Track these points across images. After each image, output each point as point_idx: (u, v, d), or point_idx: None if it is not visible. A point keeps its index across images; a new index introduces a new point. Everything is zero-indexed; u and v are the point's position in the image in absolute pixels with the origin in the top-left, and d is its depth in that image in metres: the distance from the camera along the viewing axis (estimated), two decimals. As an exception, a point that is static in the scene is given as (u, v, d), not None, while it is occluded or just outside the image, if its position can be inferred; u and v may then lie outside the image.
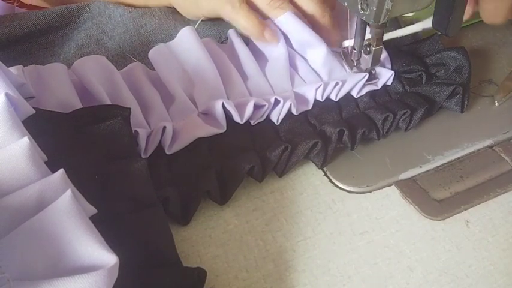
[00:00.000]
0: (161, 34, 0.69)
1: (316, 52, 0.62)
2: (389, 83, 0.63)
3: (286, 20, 0.62)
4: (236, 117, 0.55)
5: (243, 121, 0.56)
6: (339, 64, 0.63)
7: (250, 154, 0.53)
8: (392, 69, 0.63)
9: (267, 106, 0.57)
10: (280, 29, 0.63)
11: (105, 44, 0.67)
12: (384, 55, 0.64)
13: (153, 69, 0.59)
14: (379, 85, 0.62)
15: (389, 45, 0.65)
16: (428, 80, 0.63)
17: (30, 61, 0.65)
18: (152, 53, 0.59)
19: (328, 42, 0.63)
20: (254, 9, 0.63)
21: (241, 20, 0.62)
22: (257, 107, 0.57)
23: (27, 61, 0.65)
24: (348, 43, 0.64)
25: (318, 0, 0.64)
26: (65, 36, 0.68)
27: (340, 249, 0.50)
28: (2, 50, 0.65)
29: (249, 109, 0.56)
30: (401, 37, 0.67)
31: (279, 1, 0.62)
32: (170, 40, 0.61)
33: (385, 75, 0.62)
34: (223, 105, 0.55)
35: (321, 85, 0.59)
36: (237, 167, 0.52)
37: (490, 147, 0.60)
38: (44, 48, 0.67)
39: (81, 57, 0.63)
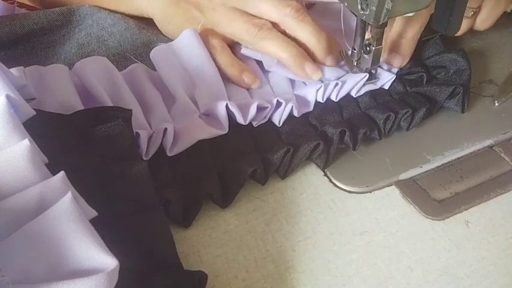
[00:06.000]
0: (163, 35, 0.69)
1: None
2: (386, 86, 0.63)
3: (277, 71, 0.62)
4: (239, 119, 0.55)
5: (246, 122, 0.56)
6: (337, 68, 0.63)
7: (252, 157, 0.53)
8: (396, 72, 0.63)
9: (269, 108, 0.57)
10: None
11: (106, 41, 0.67)
12: None
13: (155, 70, 0.59)
14: (378, 85, 0.62)
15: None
16: (428, 81, 0.63)
17: (31, 61, 0.65)
18: (154, 53, 0.59)
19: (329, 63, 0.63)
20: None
21: (221, 63, 0.61)
22: (260, 108, 0.57)
23: (29, 61, 0.65)
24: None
25: (314, 29, 0.61)
26: (66, 35, 0.68)
27: (340, 249, 0.50)
28: (3, 50, 0.65)
29: (253, 110, 0.56)
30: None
31: (266, 31, 0.61)
32: (172, 40, 0.61)
33: (386, 78, 0.62)
34: (226, 106, 0.55)
35: (321, 86, 0.59)
36: (240, 170, 0.52)
37: (490, 147, 0.60)
38: (45, 48, 0.67)
39: (82, 56, 0.64)
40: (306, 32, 0.61)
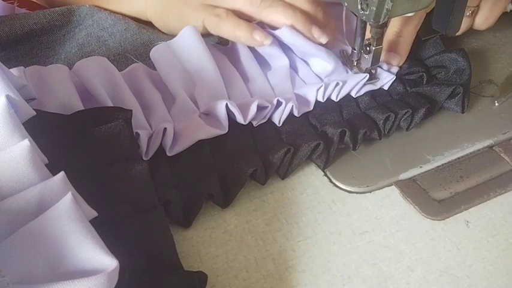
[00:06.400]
0: (164, 34, 0.69)
1: (320, 63, 0.62)
2: (386, 87, 0.63)
3: (286, 34, 0.60)
4: (239, 118, 0.55)
5: (246, 122, 0.56)
6: (340, 66, 0.63)
7: (252, 157, 0.53)
8: (396, 73, 0.63)
9: (269, 107, 0.57)
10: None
11: (106, 41, 0.67)
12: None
13: (155, 69, 0.59)
14: (378, 85, 0.62)
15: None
16: (428, 81, 0.63)
17: (32, 61, 0.65)
18: (153, 52, 0.59)
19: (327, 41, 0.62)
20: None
21: (230, 27, 0.60)
22: (260, 108, 0.57)
23: (30, 61, 0.65)
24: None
25: (311, 3, 0.62)
26: (66, 35, 0.68)
27: (340, 249, 0.50)
28: (4, 50, 0.65)
29: (253, 110, 0.56)
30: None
31: (269, 0, 0.61)
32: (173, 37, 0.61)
33: (386, 78, 0.62)
34: (226, 106, 0.55)
35: (322, 86, 0.59)
36: (240, 170, 0.52)
37: (490, 147, 0.60)
38: (45, 48, 0.67)
39: (82, 56, 0.64)
40: (302, 4, 0.62)
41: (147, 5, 0.69)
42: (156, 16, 0.69)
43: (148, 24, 0.70)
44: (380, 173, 0.57)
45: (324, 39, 0.61)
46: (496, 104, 0.65)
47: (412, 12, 0.55)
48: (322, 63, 0.62)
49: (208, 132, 0.54)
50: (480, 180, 0.56)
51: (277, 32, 0.61)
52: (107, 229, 0.37)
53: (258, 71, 0.62)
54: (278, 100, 0.57)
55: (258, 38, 0.60)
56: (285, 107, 0.57)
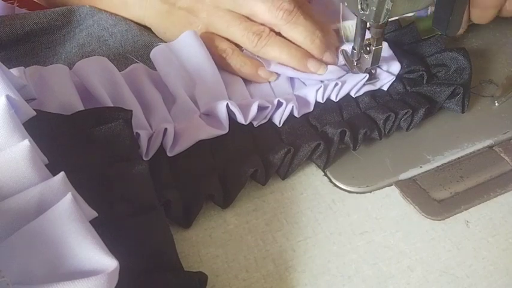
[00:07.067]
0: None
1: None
2: (385, 88, 0.63)
3: (276, 69, 0.62)
4: (240, 119, 0.55)
5: (247, 122, 0.56)
6: (338, 68, 0.63)
7: (253, 157, 0.53)
8: (396, 74, 0.63)
9: (270, 108, 0.57)
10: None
11: (107, 41, 0.67)
12: (396, 64, 0.64)
13: (155, 70, 0.59)
14: (377, 85, 0.62)
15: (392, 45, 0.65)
16: (429, 80, 0.63)
17: (32, 61, 0.65)
18: (154, 53, 0.59)
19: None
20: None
21: (236, 64, 0.62)
22: (260, 108, 0.57)
23: (30, 61, 0.65)
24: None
25: (307, 30, 0.62)
26: (66, 35, 0.68)
27: (340, 249, 0.50)
28: (3, 50, 0.65)
29: (253, 110, 0.56)
30: (402, 37, 0.67)
31: (265, 39, 0.61)
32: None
33: (385, 79, 0.62)
34: (227, 106, 0.55)
35: (321, 86, 0.59)
36: (240, 171, 0.52)
37: (490, 147, 0.60)
38: (46, 48, 0.67)
39: (82, 56, 0.64)
40: (299, 34, 0.62)
41: (145, 15, 0.69)
42: (153, 28, 0.70)
43: (149, 29, 0.70)
44: (380, 173, 0.57)
45: (322, 71, 0.62)
46: (496, 104, 0.65)
47: (412, 12, 0.55)
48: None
49: (208, 132, 0.54)
50: (480, 180, 0.56)
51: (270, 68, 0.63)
52: (106, 229, 0.37)
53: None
54: (279, 101, 0.57)
55: (263, 75, 0.62)
56: (286, 107, 0.57)
